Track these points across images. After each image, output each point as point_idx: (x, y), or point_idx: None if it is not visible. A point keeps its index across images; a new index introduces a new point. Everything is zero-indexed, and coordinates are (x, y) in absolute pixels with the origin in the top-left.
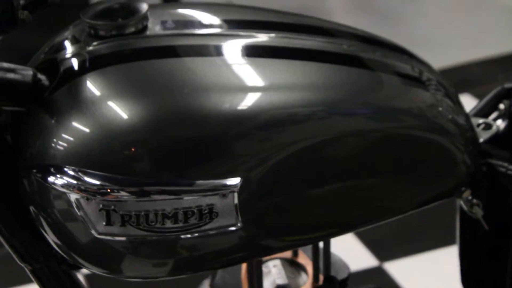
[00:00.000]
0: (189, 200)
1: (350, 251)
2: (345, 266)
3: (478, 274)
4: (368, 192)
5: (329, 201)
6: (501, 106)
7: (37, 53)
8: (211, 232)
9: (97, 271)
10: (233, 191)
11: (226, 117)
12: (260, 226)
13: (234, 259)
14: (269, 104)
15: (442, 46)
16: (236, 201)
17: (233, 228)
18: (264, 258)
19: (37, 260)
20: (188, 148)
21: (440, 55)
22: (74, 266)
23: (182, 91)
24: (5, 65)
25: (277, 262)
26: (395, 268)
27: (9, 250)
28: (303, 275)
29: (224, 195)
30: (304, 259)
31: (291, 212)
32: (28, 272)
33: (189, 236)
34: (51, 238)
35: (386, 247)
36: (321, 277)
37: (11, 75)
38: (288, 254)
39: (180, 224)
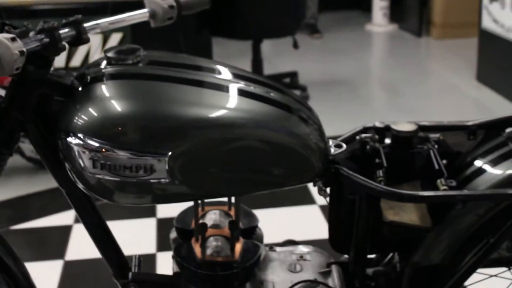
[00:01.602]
0: (140, 160)
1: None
2: (255, 218)
3: (338, 238)
4: (259, 171)
5: (223, 174)
6: (357, 137)
7: (79, 70)
8: (152, 181)
9: (94, 195)
10: (165, 159)
11: (169, 118)
12: (179, 181)
13: (169, 199)
14: (194, 116)
15: None
16: (166, 164)
17: (164, 180)
18: (210, 208)
19: (68, 187)
20: (145, 132)
21: None
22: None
23: (150, 98)
24: (59, 72)
25: (217, 212)
26: None
27: (55, 180)
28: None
29: (159, 160)
30: (233, 211)
31: (198, 177)
32: (65, 195)
33: (139, 180)
34: (70, 172)
35: None
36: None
37: (60, 79)
38: (225, 207)
39: (134, 173)
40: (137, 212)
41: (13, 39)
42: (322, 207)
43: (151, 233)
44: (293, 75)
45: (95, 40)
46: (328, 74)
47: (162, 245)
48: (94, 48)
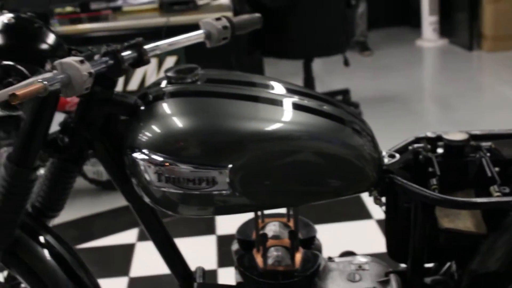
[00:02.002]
0: (202, 172)
1: None
2: (313, 229)
3: (395, 247)
4: (316, 182)
5: (282, 185)
6: (410, 147)
7: (142, 90)
8: (214, 192)
9: (160, 208)
10: (226, 171)
11: (228, 132)
12: (239, 192)
13: (230, 210)
14: (252, 130)
15: None
16: (227, 177)
17: (225, 192)
18: (270, 220)
19: (135, 201)
20: (206, 146)
21: None
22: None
23: (209, 114)
24: (122, 94)
25: (276, 223)
26: None
27: (123, 195)
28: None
29: (221, 173)
30: (292, 222)
31: (258, 188)
32: (131, 209)
33: (202, 192)
34: (137, 187)
35: None
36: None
37: (124, 99)
38: (284, 219)
39: (197, 185)
40: (198, 230)
41: (81, 62)
42: (379, 222)
43: (211, 250)
44: (345, 92)
45: (150, 64)
46: (380, 90)
47: (223, 261)
48: (150, 72)
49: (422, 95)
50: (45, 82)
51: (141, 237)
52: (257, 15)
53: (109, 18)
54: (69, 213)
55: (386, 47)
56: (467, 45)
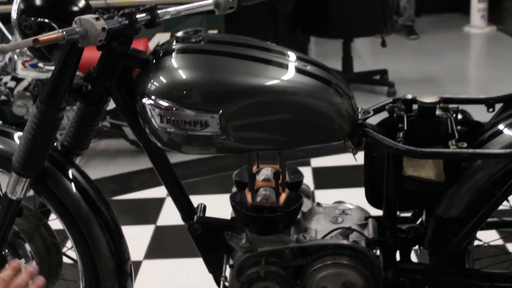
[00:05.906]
0: (197, 116)
1: None
2: (301, 174)
3: (372, 192)
4: (300, 131)
5: (267, 132)
6: (387, 107)
7: (154, 47)
8: (207, 134)
9: (165, 147)
10: (216, 116)
11: (221, 83)
12: (229, 135)
13: (224, 150)
14: (242, 83)
15: None
16: (217, 120)
17: (216, 133)
18: (264, 166)
19: (145, 141)
20: (201, 94)
21: None
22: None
23: (207, 68)
24: (137, 50)
25: (269, 169)
26: None
27: (136, 136)
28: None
29: (212, 117)
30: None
31: (245, 132)
32: (144, 149)
33: (198, 133)
34: (146, 129)
35: None
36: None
37: (138, 54)
38: (277, 166)
39: (192, 127)
40: (216, 190)
41: (97, 19)
42: None
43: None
44: (383, 72)
45: None
46: (419, 72)
47: None
48: None
49: (459, 78)
50: (64, 32)
51: None
52: None
53: None
54: (109, 170)
55: (433, 32)
56: None
